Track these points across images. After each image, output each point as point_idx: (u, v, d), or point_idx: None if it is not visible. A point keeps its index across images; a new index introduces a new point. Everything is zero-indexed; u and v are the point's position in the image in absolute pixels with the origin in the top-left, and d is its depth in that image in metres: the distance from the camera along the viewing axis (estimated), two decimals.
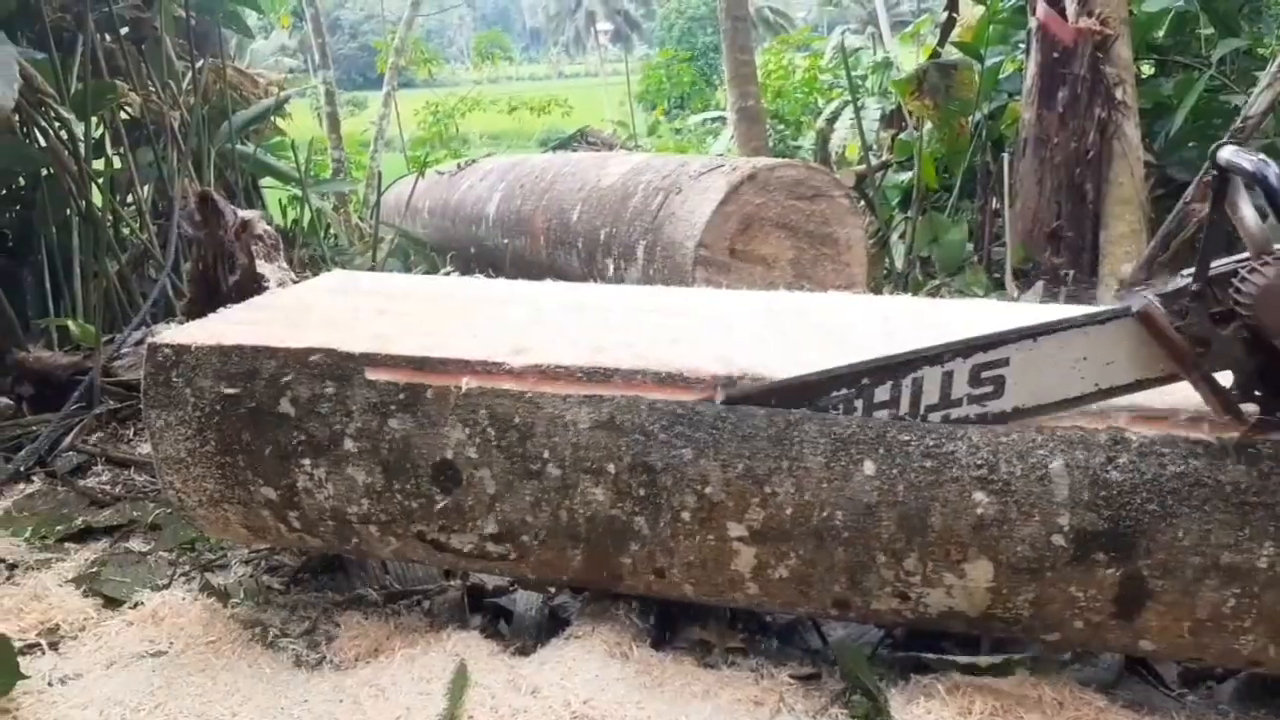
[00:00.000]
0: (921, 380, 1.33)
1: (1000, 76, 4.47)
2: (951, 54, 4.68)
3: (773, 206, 3.22)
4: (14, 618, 1.77)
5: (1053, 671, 1.44)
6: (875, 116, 5.99)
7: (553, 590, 1.77)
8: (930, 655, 1.51)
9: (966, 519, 1.31)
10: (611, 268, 3.72)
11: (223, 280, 2.30)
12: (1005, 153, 4.06)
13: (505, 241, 4.61)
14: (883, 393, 1.34)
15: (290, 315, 1.77)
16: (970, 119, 4.46)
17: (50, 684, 1.55)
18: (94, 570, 1.98)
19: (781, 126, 8.71)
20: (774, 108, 8.82)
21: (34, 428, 2.71)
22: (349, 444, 1.52)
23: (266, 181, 4.86)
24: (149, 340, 1.67)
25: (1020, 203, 3.89)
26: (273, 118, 4.82)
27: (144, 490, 2.41)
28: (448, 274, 4.73)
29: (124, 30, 3.78)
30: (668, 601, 1.59)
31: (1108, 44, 3.53)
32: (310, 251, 4.69)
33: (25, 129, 3.38)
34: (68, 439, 2.64)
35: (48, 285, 3.39)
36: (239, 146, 4.29)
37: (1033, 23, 3.75)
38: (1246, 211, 1.20)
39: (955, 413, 1.33)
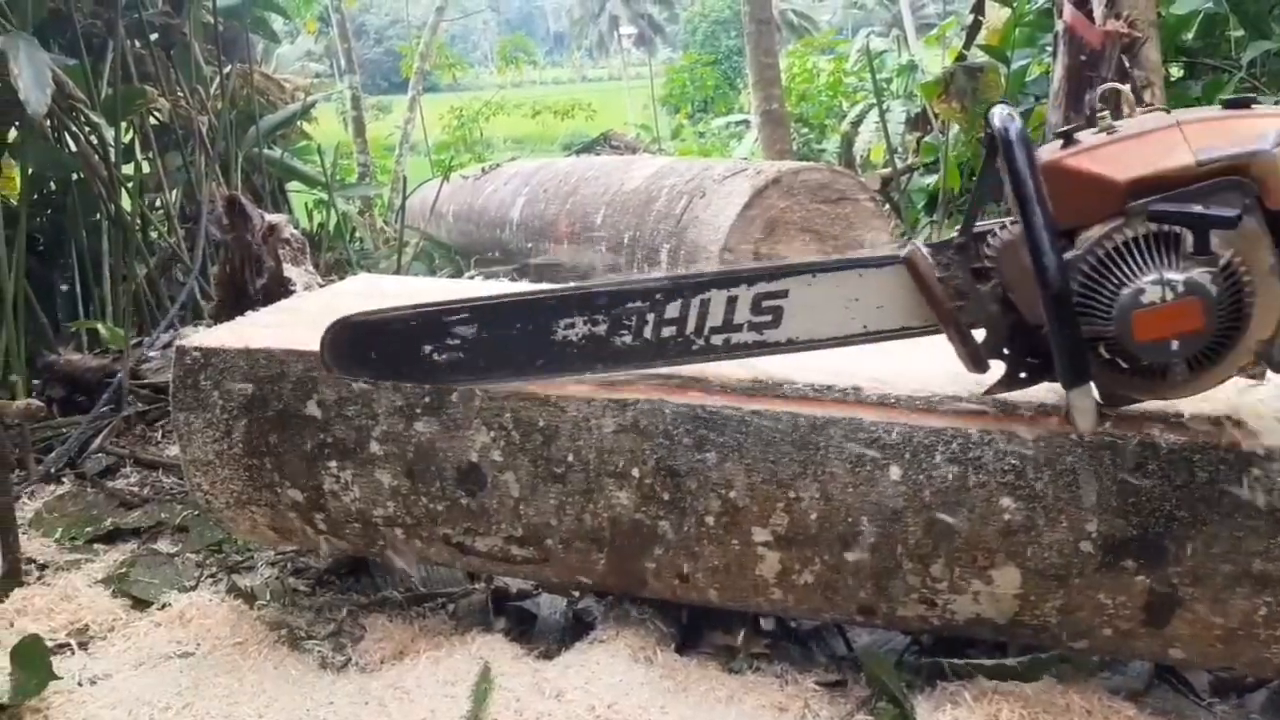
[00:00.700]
0: (709, 301, 1.36)
1: (1027, 79, 4.44)
2: (978, 57, 4.65)
3: (797, 210, 3.22)
4: (45, 618, 1.79)
5: (1081, 679, 1.42)
6: (900, 119, 5.97)
7: (576, 594, 1.77)
8: (956, 660, 1.50)
9: (993, 525, 1.30)
10: (635, 271, 3.73)
11: (250, 283, 2.33)
12: None
13: (529, 245, 4.62)
14: (673, 309, 1.37)
15: (317, 318, 1.78)
16: None
17: (80, 684, 1.56)
18: (123, 571, 2.00)
19: (806, 130, 8.70)
20: (798, 111, 8.81)
21: (64, 430, 2.74)
22: (375, 446, 1.53)
23: (293, 185, 4.90)
24: (177, 343, 1.68)
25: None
26: (299, 122, 4.87)
27: (171, 492, 2.43)
28: (472, 278, 4.75)
29: (153, 36, 3.83)
30: (692, 606, 1.59)
31: (1136, 46, 3.49)
32: (336, 255, 4.72)
33: (57, 134, 3.42)
34: (97, 441, 2.67)
35: (78, 288, 3.43)
36: (266, 151, 4.32)
37: (1059, 25, 3.72)
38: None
39: (736, 337, 1.36)
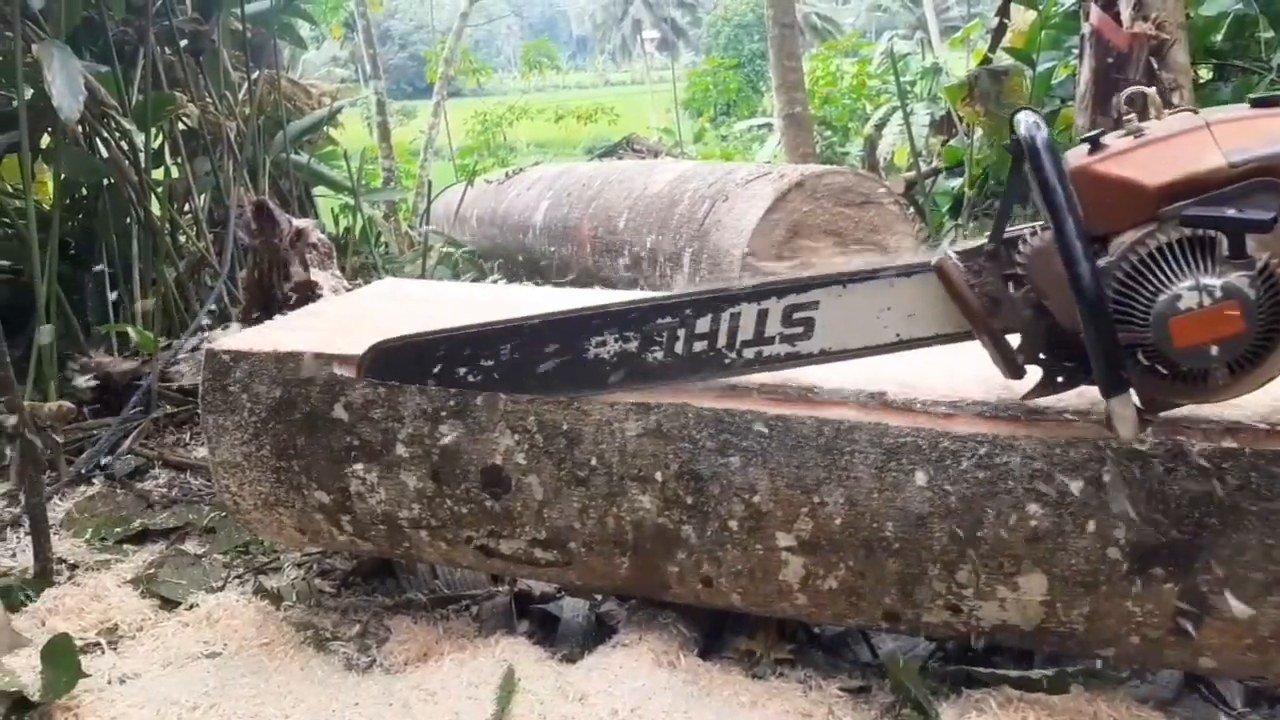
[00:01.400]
0: (739, 315, 1.36)
1: (1053, 82, 4.40)
2: (1003, 60, 4.62)
3: (820, 213, 3.21)
4: (75, 617, 1.82)
5: (1109, 688, 1.41)
6: (924, 122, 5.94)
7: (599, 597, 1.78)
8: (982, 670, 1.49)
9: (1020, 531, 1.29)
10: (658, 275, 3.73)
11: (277, 287, 2.35)
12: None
13: (552, 249, 4.64)
14: (703, 324, 1.38)
15: (344, 322, 1.80)
16: None
17: (110, 683, 1.58)
18: (151, 572, 2.02)
19: (829, 133, 8.68)
20: (821, 114, 8.78)
21: (94, 431, 2.78)
22: (401, 449, 1.54)
23: (319, 190, 4.93)
24: (207, 346, 1.70)
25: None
26: (325, 128, 4.90)
27: (199, 493, 2.46)
28: (494, 281, 4.77)
29: (183, 43, 3.86)
30: (715, 611, 1.59)
31: (1164, 49, 3.46)
32: (362, 259, 4.75)
33: (88, 140, 3.47)
34: (126, 443, 2.70)
35: (108, 292, 3.47)
36: (293, 156, 4.36)
37: (1086, 28, 3.69)
38: None
39: (768, 350, 1.37)
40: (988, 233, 1.30)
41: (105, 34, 3.35)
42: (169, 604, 1.88)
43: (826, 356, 1.36)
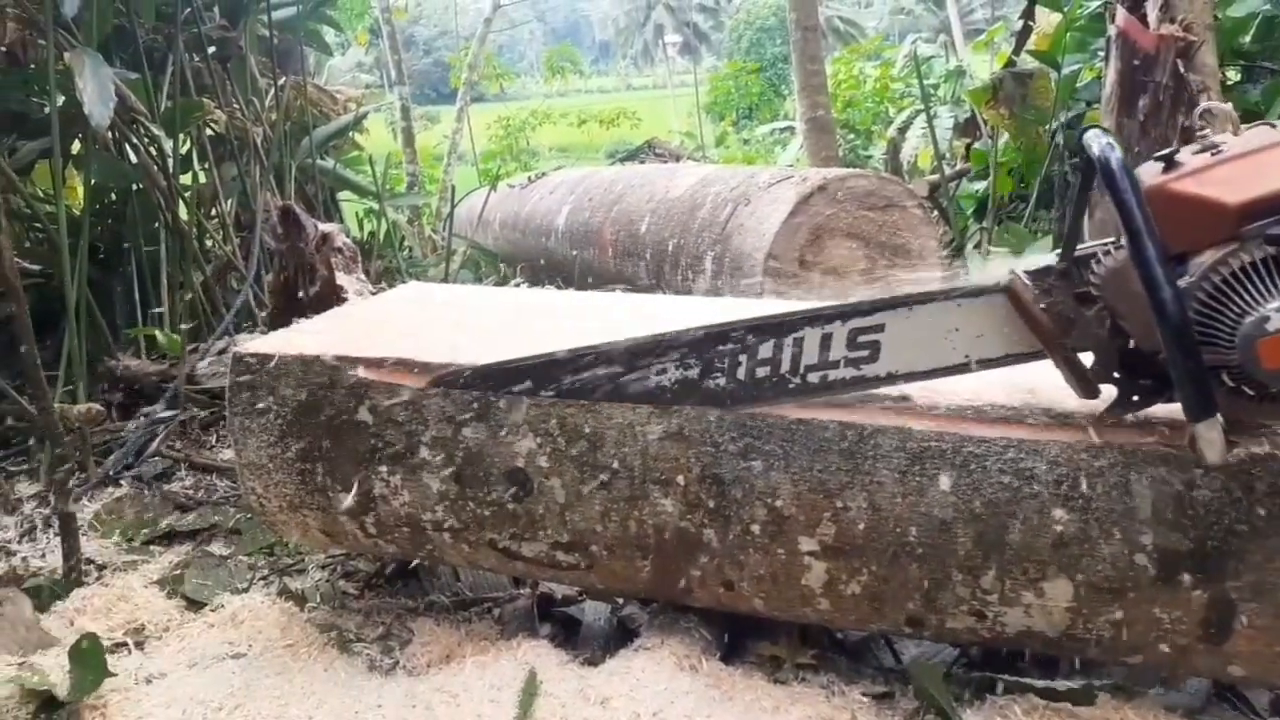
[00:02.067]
0: (803, 340, 1.35)
1: (1078, 84, 4.37)
2: (1027, 62, 4.59)
3: (843, 217, 3.20)
4: (103, 617, 1.84)
5: (1136, 695, 1.40)
6: (948, 125, 5.91)
7: (621, 601, 1.78)
8: (1007, 677, 1.48)
9: (1045, 537, 1.28)
10: (680, 279, 3.73)
11: (303, 291, 2.36)
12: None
13: (574, 253, 4.65)
14: (766, 350, 1.36)
15: (369, 326, 1.81)
16: (1047, 128, 4.37)
17: (136, 682, 1.60)
18: (177, 573, 2.04)
19: (852, 136, 8.66)
20: (844, 117, 8.76)
21: (122, 434, 2.81)
22: (424, 452, 1.55)
23: (344, 195, 4.97)
24: (233, 349, 1.72)
25: (1100, 213, 3.79)
26: (351, 133, 4.94)
27: (225, 495, 2.48)
28: (517, 285, 4.79)
29: (211, 50, 3.91)
30: (737, 615, 1.59)
31: (1191, 50, 3.42)
32: (386, 263, 4.78)
33: (118, 146, 3.52)
34: (153, 445, 2.73)
35: (136, 296, 3.51)
36: (319, 161, 4.40)
37: (1112, 30, 3.65)
38: None
39: (833, 374, 1.36)
40: (1057, 251, 1.28)
41: (135, 41, 3.39)
42: (195, 605, 1.90)
43: (893, 379, 1.34)
